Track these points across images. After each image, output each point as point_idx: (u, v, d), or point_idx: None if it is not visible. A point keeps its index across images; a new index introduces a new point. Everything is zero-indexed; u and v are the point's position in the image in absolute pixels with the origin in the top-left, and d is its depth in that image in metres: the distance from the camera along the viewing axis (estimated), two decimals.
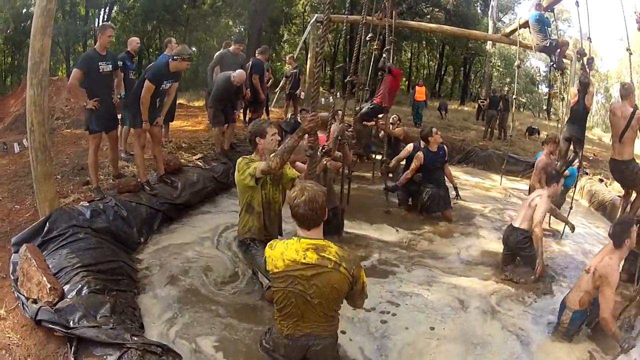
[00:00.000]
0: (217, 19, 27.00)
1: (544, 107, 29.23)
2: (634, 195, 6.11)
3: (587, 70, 6.76)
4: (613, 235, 4.01)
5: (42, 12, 4.31)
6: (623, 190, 6.54)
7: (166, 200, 6.26)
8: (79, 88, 5.73)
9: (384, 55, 8.55)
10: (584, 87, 6.55)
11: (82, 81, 5.66)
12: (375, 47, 9.27)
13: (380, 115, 8.91)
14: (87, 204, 5.29)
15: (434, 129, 7.43)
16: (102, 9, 27.60)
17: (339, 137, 6.05)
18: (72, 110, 10.66)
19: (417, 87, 18.44)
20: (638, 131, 5.63)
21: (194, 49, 6.78)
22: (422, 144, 7.51)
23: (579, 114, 6.72)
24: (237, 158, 4.12)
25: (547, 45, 8.98)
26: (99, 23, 27.03)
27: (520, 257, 5.58)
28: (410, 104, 17.44)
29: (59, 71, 26.18)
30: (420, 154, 7.30)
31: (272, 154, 3.72)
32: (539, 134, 16.94)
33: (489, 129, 15.93)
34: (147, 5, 25.03)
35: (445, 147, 7.63)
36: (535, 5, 9.29)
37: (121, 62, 7.11)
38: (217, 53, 9.53)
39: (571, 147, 7.03)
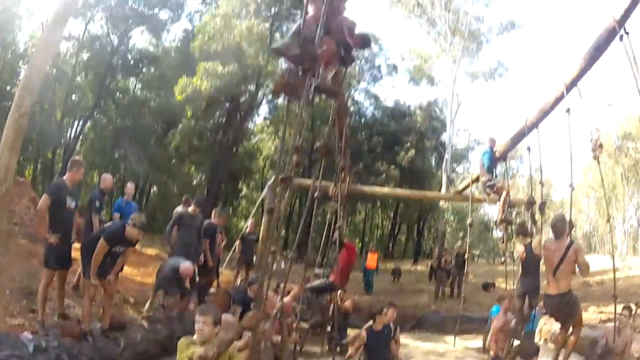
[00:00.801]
0: (181, 163, 27.61)
1: (500, 254, 29.75)
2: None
3: (540, 217, 6.98)
4: None
5: (13, 124, 4.24)
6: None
7: (107, 357, 6.07)
8: (46, 217, 5.76)
9: (337, 228, 8.43)
10: (524, 236, 6.68)
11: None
12: (327, 212, 9.34)
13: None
14: (31, 337, 5.25)
15: (385, 309, 7.27)
16: (77, 120, 28.16)
17: (279, 316, 5.90)
18: (31, 220, 10.28)
19: (369, 253, 18.50)
20: (575, 264, 5.59)
21: (143, 218, 6.61)
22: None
23: (531, 267, 6.74)
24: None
25: (490, 185, 9.16)
26: (72, 134, 27.83)
27: None
28: (362, 270, 17.39)
29: (26, 170, 26.10)
30: (363, 333, 7.06)
31: (211, 343, 3.57)
32: (494, 287, 17.00)
33: (440, 291, 15.92)
34: (117, 131, 25.88)
35: (391, 325, 7.37)
36: (489, 140, 9.71)
37: (98, 203, 7.31)
38: (176, 211, 9.45)
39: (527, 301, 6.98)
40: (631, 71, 5.06)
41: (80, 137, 28.44)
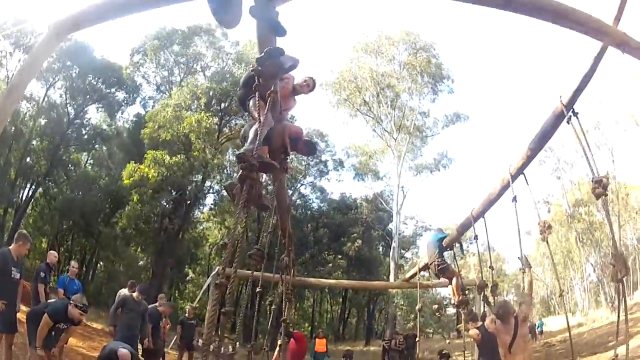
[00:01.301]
0: (127, 244, 27.28)
1: (455, 328, 29.65)
2: None
3: (493, 298, 7.04)
4: None
5: None
6: None
7: None
8: None
9: (281, 321, 8.48)
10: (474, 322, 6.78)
11: None
12: (270, 301, 9.36)
13: None
14: None
15: None
16: (30, 183, 27.84)
17: None
18: None
19: (317, 339, 18.43)
20: (526, 335, 5.69)
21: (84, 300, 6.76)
22: None
23: (488, 346, 6.59)
24: None
25: (441, 267, 9.13)
26: (23, 196, 27.49)
27: None
28: (312, 356, 17.34)
29: None
30: None
31: None
32: (449, 357, 17.05)
33: None
34: (66, 202, 25.56)
35: None
36: (437, 229, 10.04)
37: (43, 274, 7.58)
38: (120, 294, 9.51)
39: None
40: (580, 148, 5.22)
41: (32, 200, 28.08)
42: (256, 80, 4.00)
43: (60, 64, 26.14)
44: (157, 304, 10.74)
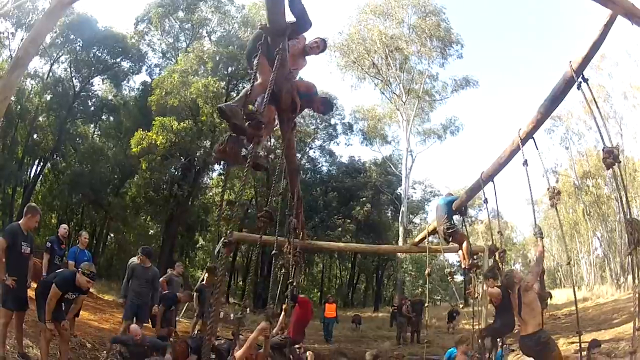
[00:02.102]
0: (137, 214, 27.40)
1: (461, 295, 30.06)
2: None
3: (501, 264, 7.09)
4: None
5: None
6: None
7: None
8: (2, 259, 5.81)
9: (288, 284, 8.35)
10: (495, 280, 6.82)
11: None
12: (281, 264, 9.31)
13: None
14: None
15: None
16: (37, 160, 28.14)
17: None
18: None
19: (327, 304, 18.60)
20: (534, 302, 5.66)
21: (93, 268, 6.65)
22: None
23: (508, 306, 6.53)
24: None
25: (451, 231, 9.20)
26: (31, 174, 27.76)
27: None
28: (321, 320, 17.53)
29: None
30: None
31: None
32: (457, 314, 17.24)
33: (401, 336, 16.18)
34: (75, 176, 25.58)
35: None
36: (446, 194, 10.06)
37: (49, 244, 7.53)
38: (130, 264, 9.40)
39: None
40: (589, 118, 5.22)
41: (40, 177, 28.28)
42: (263, 39, 4.07)
43: (64, 38, 25.97)
44: (174, 270, 10.84)
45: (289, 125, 5.33)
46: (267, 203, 5.89)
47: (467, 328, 11.33)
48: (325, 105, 5.59)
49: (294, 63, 4.78)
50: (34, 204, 7.22)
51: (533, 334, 5.59)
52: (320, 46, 5.15)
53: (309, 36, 5.00)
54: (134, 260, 9.44)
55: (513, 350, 10.89)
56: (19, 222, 6.30)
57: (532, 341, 5.58)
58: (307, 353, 9.89)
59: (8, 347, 6.26)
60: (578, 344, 7.20)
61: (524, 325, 5.71)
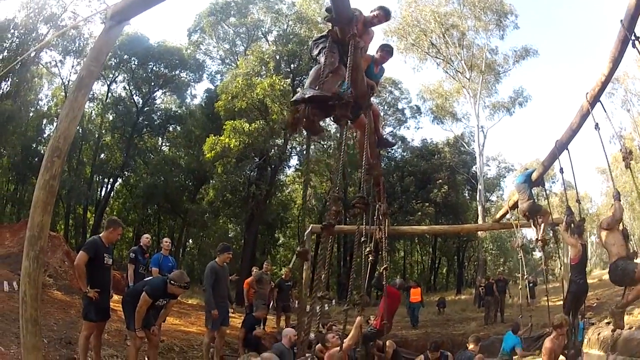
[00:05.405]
0: (216, 217, 28.07)
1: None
2: None
3: (577, 234, 7.18)
4: None
5: (44, 185, 4.15)
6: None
7: None
8: (84, 272, 5.86)
9: (381, 270, 8.14)
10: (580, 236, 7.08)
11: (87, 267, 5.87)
12: (368, 251, 9.09)
13: None
14: None
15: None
16: (107, 178, 29.43)
17: None
18: (66, 273, 10.75)
19: (411, 289, 18.33)
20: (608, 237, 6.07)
21: (186, 277, 6.60)
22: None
23: (584, 262, 7.09)
24: None
25: (530, 205, 9.20)
26: (102, 192, 29.31)
27: None
28: (406, 306, 17.28)
29: (57, 225, 26.68)
30: None
31: None
32: (535, 285, 16.92)
33: (489, 316, 15.88)
34: (149, 188, 26.51)
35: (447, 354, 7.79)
36: (522, 169, 9.87)
37: (133, 254, 7.65)
38: (209, 268, 8.43)
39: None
40: None
41: (112, 194, 29.49)
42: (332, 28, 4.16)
43: (117, 59, 27.01)
44: (261, 269, 11.10)
45: (367, 107, 5.31)
46: (345, 195, 5.84)
47: (543, 305, 11.04)
48: (385, 51, 5.75)
49: (362, 40, 4.75)
50: (115, 217, 7.24)
51: (613, 263, 6.01)
52: (379, 15, 5.08)
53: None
54: (213, 263, 8.80)
55: (593, 324, 10.66)
56: (100, 235, 6.31)
57: (610, 269, 6.10)
58: (387, 342, 9.77)
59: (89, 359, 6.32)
60: None
61: (609, 255, 6.21)
